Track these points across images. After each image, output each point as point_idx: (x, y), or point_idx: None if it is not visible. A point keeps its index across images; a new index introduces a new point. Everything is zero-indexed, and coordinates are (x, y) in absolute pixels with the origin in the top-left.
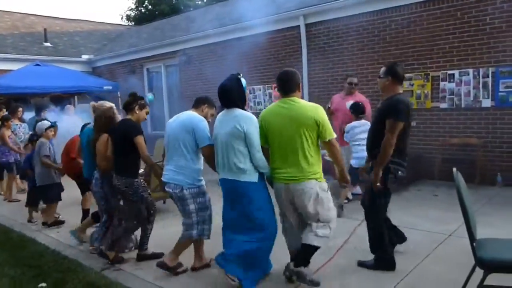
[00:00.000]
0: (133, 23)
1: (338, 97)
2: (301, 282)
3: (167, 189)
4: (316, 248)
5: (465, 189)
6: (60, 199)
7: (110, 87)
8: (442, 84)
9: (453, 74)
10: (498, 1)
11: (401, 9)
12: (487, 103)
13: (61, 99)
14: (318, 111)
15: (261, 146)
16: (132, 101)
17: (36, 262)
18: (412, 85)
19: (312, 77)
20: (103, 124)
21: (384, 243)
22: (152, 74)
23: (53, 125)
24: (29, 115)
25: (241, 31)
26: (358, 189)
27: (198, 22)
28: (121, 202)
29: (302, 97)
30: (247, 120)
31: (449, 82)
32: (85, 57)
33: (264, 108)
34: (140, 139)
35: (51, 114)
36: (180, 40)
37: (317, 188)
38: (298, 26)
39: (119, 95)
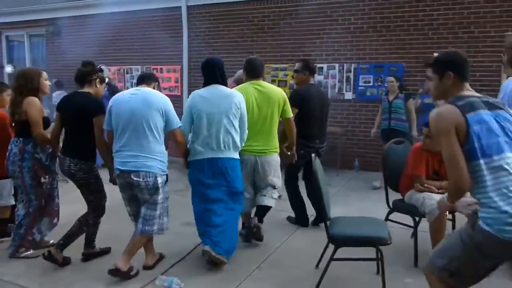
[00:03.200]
0: None
1: None
2: (258, 238)
3: (135, 178)
4: (270, 208)
5: (321, 172)
6: None
7: None
8: None
9: (322, 68)
10: (361, 4)
11: (279, 1)
12: (349, 95)
13: None
14: (283, 93)
15: None
16: (92, 72)
17: None
18: (286, 75)
19: (193, 61)
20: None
21: (299, 204)
22: (13, 43)
23: None
24: None
25: (118, 5)
26: None
27: None
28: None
29: (182, 82)
30: (241, 97)
31: (319, 74)
32: None
33: None
34: (101, 120)
35: None
36: (47, 8)
37: (278, 160)
38: (180, 7)
39: None
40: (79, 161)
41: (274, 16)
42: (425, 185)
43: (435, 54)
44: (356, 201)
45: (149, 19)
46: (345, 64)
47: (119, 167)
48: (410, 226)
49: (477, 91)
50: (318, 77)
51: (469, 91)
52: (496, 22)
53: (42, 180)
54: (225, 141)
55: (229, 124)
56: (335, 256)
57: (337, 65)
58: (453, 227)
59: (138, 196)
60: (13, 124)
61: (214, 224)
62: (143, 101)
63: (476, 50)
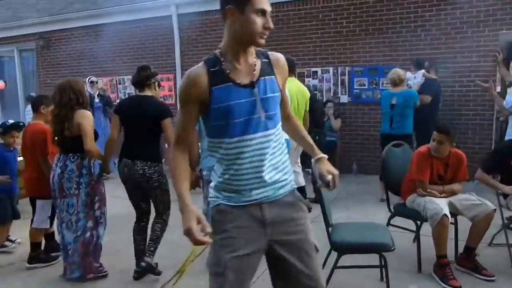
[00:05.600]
0: None
1: None
2: None
3: None
4: None
5: None
6: None
7: None
8: (306, 80)
9: (316, 72)
10: (352, 8)
11: (271, 6)
12: (344, 99)
13: None
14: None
15: None
16: (151, 76)
17: None
18: None
19: (186, 69)
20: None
21: None
22: (3, 59)
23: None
24: None
25: (108, 16)
26: None
27: (59, 3)
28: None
29: (176, 90)
30: None
31: (313, 78)
32: None
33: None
34: (169, 122)
35: None
36: (36, 22)
37: None
38: (170, 16)
39: None
40: (152, 163)
41: None
42: (428, 190)
43: None
44: (355, 204)
45: (141, 29)
46: (339, 68)
47: None
48: (411, 231)
49: (472, 91)
50: (312, 81)
51: None
52: (490, 21)
53: (96, 198)
54: None
55: None
56: (338, 264)
57: (331, 69)
58: (456, 230)
59: None
60: (56, 140)
61: None
62: None
63: (469, 50)
